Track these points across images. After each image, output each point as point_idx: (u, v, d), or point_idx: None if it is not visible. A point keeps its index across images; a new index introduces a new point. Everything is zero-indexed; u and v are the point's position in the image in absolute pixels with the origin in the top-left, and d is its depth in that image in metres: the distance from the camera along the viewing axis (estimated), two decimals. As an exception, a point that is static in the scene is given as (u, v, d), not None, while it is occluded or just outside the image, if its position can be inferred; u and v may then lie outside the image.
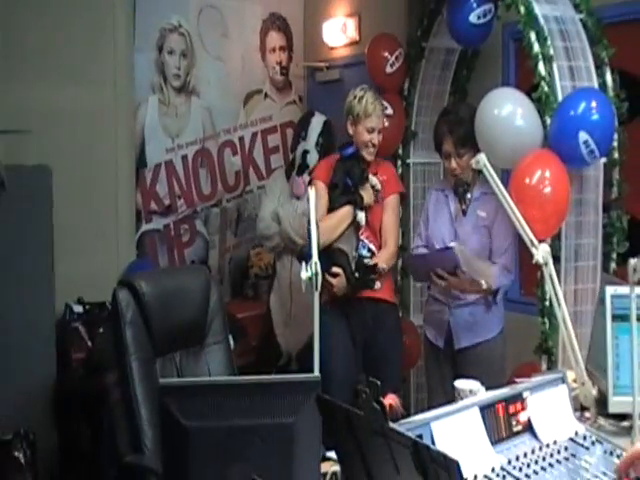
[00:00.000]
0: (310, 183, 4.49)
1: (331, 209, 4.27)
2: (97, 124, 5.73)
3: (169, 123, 6.23)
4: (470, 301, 3.99)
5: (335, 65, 6.57)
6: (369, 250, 4.32)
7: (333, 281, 4.16)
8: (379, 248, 4.34)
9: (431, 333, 4.18)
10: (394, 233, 4.37)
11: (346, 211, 4.24)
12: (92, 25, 5.69)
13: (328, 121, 5.68)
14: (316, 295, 2.97)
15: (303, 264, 2.99)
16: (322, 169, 4.45)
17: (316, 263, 2.96)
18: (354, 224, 4.26)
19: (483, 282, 3.87)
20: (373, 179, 4.30)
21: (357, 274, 4.20)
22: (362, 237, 4.31)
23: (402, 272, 5.05)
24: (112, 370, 3.64)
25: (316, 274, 2.95)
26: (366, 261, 4.26)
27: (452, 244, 3.81)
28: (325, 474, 2.33)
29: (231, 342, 3.55)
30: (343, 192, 4.26)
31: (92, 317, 5.24)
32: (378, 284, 4.25)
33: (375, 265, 4.23)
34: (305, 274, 2.97)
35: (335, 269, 4.17)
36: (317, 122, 5.64)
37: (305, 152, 5.58)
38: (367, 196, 4.28)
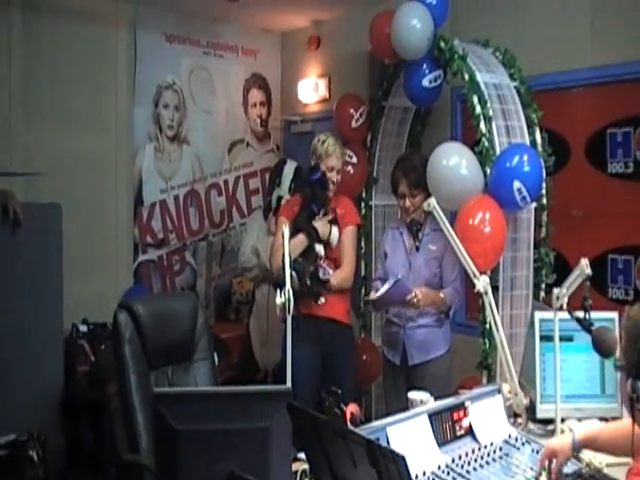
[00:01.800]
0: (277, 218, 4.48)
1: (297, 230, 4.21)
2: (101, 167, 5.75)
3: (163, 167, 6.22)
4: (423, 324, 3.98)
5: (308, 119, 6.60)
6: (327, 274, 4.27)
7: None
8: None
9: (388, 352, 4.16)
10: (350, 259, 4.30)
11: (302, 238, 4.20)
12: (98, 81, 5.73)
13: (298, 167, 5.67)
14: (289, 318, 2.94)
15: (278, 291, 2.96)
16: (286, 208, 4.46)
17: (289, 290, 2.93)
18: (313, 254, 4.22)
19: (442, 294, 3.90)
20: (334, 232, 4.25)
21: (309, 282, 4.14)
22: (323, 264, 4.27)
23: (364, 299, 5.01)
24: (112, 381, 3.60)
25: (288, 300, 2.93)
26: (320, 275, 4.23)
27: (399, 275, 3.81)
28: (296, 472, 2.34)
29: (215, 359, 3.53)
30: (307, 218, 4.25)
31: (95, 335, 5.21)
32: (322, 300, 4.17)
33: (327, 281, 4.20)
34: (279, 300, 2.94)
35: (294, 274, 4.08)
36: (289, 170, 5.65)
37: (279, 198, 5.59)
38: (322, 229, 4.23)
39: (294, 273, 3.99)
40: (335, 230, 4.25)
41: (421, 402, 2.73)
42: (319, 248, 4.23)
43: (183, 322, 3.39)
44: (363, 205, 5.24)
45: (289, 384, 2.80)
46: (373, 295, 4.00)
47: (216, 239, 6.60)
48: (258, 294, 5.63)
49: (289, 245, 3.95)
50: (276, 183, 5.67)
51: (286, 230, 3.14)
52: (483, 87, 4.06)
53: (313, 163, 4.30)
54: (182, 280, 6.39)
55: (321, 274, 4.25)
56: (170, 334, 3.32)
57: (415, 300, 3.79)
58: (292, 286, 3.88)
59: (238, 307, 6.47)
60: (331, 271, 4.28)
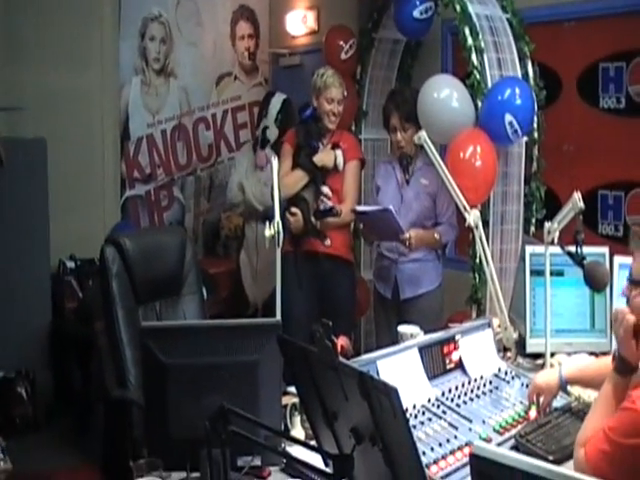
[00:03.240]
0: (280, 145, 4.51)
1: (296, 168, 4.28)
2: (86, 102, 5.67)
3: (150, 101, 6.13)
4: (415, 258, 3.97)
5: (296, 52, 6.47)
6: (327, 205, 4.27)
7: (291, 219, 4.16)
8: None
9: (380, 286, 4.16)
10: (352, 193, 4.30)
11: (300, 174, 4.25)
12: (82, 14, 5.60)
13: (287, 99, 5.57)
14: (278, 251, 2.92)
15: (267, 223, 2.92)
16: (290, 135, 4.44)
17: (278, 223, 2.90)
18: (314, 190, 4.25)
19: (436, 235, 3.91)
20: (339, 155, 4.25)
21: (313, 218, 4.21)
22: (326, 200, 4.27)
23: (354, 233, 4.95)
24: (100, 318, 3.56)
25: (278, 232, 2.90)
26: (322, 206, 4.23)
27: (390, 207, 3.74)
28: (286, 406, 2.34)
29: (204, 293, 3.52)
30: (307, 154, 4.25)
31: (83, 272, 5.21)
32: (328, 241, 4.22)
33: (332, 207, 4.20)
34: (268, 232, 2.90)
35: (294, 209, 4.18)
36: (276, 101, 5.53)
37: (265, 128, 5.48)
38: (326, 158, 4.25)
39: (298, 211, 4.15)
40: (339, 153, 4.26)
41: (411, 336, 2.72)
42: (326, 191, 4.25)
43: (171, 256, 3.35)
44: (352, 139, 5.16)
45: (279, 317, 2.77)
46: (359, 207, 4.08)
47: (204, 174, 6.55)
48: (247, 229, 5.57)
49: (288, 180, 4.13)
50: (263, 114, 5.58)
51: (275, 162, 3.09)
52: (475, 19, 3.98)
53: (314, 99, 4.30)
54: (170, 215, 6.36)
55: (321, 207, 4.26)
56: (158, 268, 3.29)
57: (407, 243, 3.80)
58: (295, 226, 4.07)
59: (227, 242, 6.43)
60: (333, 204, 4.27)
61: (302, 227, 4.21)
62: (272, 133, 5.46)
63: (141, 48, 6.07)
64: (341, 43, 5.06)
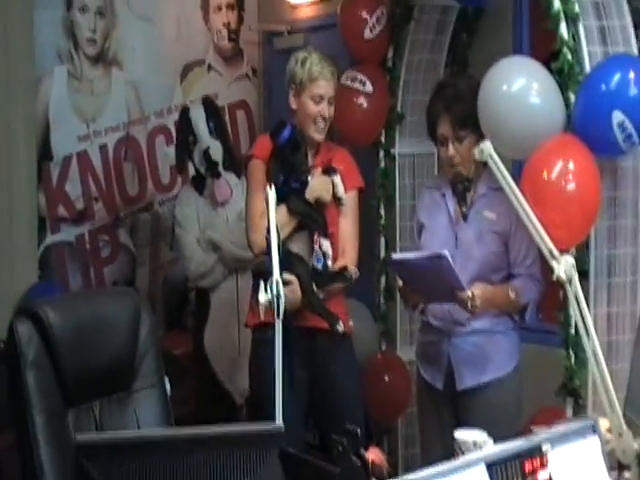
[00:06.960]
0: (247, 163, 4.50)
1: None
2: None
3: (82, 103, 6.19)
4: (478, 328, 3.96)
5: (299, 28, 6.53)
6: (324, 264, 4.32)
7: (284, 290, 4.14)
8: (336, 260, 4.37)
9: (426, 371, 4.14)
10: (354, 240, 4.43)
11: (286, 217, 4.24)
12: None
13: (207, 99, 5.77)
14: (278, 324, 2.93)
15: (261, 284, 2.96)
16: (261, 145, 4.47)
17: (278, 282, 2.93)
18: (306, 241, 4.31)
19: (511, 293, 3.90)
20: (338, 183, 4.32)
21: (315, 287, 4.21)
22: (315, 247, 4.33)
23: (385, 293, 5.05)
24: (6, 429, 3.53)
25: (278, 296, 2.92)
26: (321, 266, 4.28)
27: (444, 252, 3.66)
28: None
29: (167, 386, 3.48)
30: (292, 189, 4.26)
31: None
32: (341, 325, 4.21)
33: (342, 270, 4.25)
34: (264, 297, 2.93)
35: (288, 276, 3.97)
36: (196, 110, 5.68)
37: (206, 151, 5.57)
38: (322, 188, 4.30)
39: (293, 278, 4.10)
40: (338, 180, 4.32)
41: (475, 445, 2.72)
42: (325, 245, 4.29)
43: (118, 334, 3.32)
44: (382, 155, 5.25)
45: (280, 421, 2.74)
46: (396, 255, 4.16)
47: (165, 209, 6.60)
48: (218, 292, 5.65)
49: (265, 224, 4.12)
50: (190, 141, 5.64)
51: (272, 193, 3.13)
52: (566, -31, 3.97)
53: (291, 99, 4.38)
54: (114, 271, 6.42)
55: (319, 265, 4.31)
56: (98, 352, 3.25)
57: (470, 304, 3.77)
58: (292, 299, 3.99)
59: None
60: (328, 258, 4.33)
61: (300, 302, 4.16)
62: (216, 150, 5.61)
63: (67, 22, 6.13)
64: (364, 14, 5.11)
